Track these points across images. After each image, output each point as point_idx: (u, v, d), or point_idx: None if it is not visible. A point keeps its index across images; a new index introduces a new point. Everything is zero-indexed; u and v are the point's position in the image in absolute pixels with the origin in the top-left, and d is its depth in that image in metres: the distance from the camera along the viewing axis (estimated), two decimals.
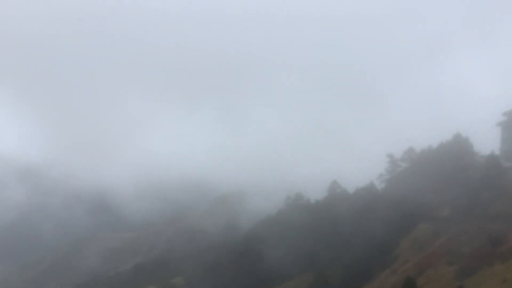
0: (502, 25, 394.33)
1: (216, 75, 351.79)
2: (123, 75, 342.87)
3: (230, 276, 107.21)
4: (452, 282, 66.85)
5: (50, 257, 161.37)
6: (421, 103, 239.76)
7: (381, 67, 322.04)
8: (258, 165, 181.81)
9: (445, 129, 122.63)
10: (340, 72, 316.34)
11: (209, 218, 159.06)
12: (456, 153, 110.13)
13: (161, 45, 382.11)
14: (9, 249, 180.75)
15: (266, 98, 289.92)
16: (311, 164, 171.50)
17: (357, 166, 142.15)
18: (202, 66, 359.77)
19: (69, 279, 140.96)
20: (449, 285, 66.91)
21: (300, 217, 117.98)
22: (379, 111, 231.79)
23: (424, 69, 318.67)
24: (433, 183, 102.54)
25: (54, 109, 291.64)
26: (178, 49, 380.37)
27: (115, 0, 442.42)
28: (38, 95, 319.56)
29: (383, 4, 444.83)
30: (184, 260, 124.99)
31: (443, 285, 68.72)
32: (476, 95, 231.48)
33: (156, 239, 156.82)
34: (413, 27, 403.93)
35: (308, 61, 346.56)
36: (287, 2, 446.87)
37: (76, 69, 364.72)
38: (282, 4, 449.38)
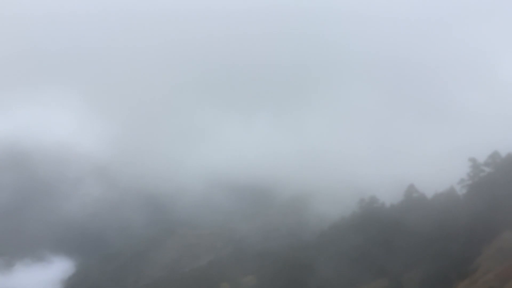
0: None
1: (275, 81, 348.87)
2: (188, 82, 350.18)
3: (301, 278, 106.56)
4: None
5: (129, 251, 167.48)
6: (505, 105, 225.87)
7: (452, 67, 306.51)
8: (326, 169, 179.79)
9: None
10: (409, 73, 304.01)
11: (280, 219, 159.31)
12: None
13: (223, 55, 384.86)
14: (89, 243, 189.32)
15: (329, 102, 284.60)
16: (383, 168, 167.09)
17: (435, 171, 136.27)
18: (261, 73, 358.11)
19: (146, 273, 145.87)
20: None
21: (374, 220, 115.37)
22: (459, 113, 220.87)
23: (504, 68, 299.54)
24: None
25: (127, 113, 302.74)
26: (237, 57, 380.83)
27: (186, 9, 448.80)
28: (113, 99, 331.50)
29: (446, 5, 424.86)
30: (256, 259, 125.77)
31: None
32: None
33: (229, 237, 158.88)
34: (477, 27, 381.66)
35: (373, 63, 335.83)
36: (337, 5, 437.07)
37: (147, 74, 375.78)
38: (332, 5, 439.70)
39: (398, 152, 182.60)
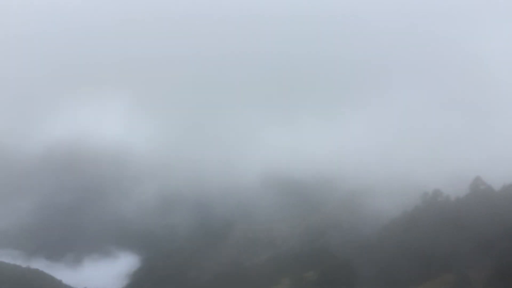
0: None
1: (323, 78, 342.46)
2: (235, 84, 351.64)
3: (365, 273, 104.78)
4: None
5: (190, 247, 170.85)
6: None
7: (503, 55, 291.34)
8: (385, 164, 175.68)
9: None
10: (458, 66, 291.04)
11: (338, 214, 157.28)
12: None
13: (267, 59, 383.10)
14: (152, 239, 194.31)
15: (382, 99, 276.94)
16: (446, 160, 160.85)
17: (503, 162, 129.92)
18: (307, 72, 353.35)
19: (207, 268, 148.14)
20: None
21: (438, 215, 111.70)
22: None
23: None
24: None
25: (178, 114, 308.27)
26: (279, 59, 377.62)
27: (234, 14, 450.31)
28: (164, 101, 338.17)
29: None
30: (316, 255, 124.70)
31: None
32: None
33: (287, 233, 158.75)
34: None
35: (420, 58, 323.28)
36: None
37: (198, 77, 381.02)
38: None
39: (462, 144, 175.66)
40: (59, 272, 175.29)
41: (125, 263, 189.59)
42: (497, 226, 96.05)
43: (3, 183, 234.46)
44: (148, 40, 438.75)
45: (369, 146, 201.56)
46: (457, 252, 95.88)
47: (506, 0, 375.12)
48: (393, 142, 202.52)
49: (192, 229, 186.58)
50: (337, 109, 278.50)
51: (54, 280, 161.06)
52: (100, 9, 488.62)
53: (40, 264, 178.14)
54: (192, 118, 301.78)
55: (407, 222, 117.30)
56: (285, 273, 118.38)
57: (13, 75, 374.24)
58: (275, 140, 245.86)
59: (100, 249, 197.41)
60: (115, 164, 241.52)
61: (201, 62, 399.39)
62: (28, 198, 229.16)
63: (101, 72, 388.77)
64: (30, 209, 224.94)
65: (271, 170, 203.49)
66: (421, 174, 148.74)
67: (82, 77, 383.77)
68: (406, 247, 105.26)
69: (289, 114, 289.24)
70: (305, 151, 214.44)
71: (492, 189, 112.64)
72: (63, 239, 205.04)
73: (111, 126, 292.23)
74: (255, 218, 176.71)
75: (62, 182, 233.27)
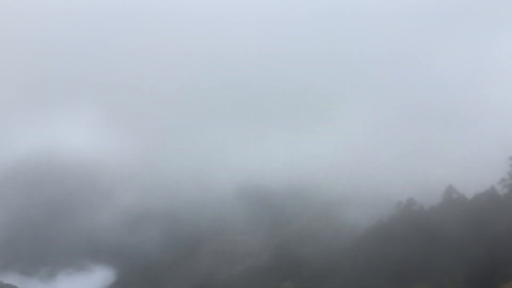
0: None
1: (299, 90, 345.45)
2: (206, 95, 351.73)
3: (341, 284, 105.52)
4: None
5: (166, 259, 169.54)
6: None
7: (475, 64, 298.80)
8: (360, 174, 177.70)
9: None
10: (430, 75, 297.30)
11: (316, 224, 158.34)
12: None
13: (242, 70, 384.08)
14: (127, 252, 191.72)
15: (355, 110, 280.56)
16: (419, 170, 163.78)
17: (475, 171, 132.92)
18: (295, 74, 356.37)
19: (185, 281, 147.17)
20: None
21: (413, 223, 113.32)
22: (494, 110, 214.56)
23: None
24: None
25: (148, 125, 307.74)
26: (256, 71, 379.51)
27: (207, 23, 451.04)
28: (134, 112, 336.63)
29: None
30: (294, 265, 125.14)
31: None
32: None
33: (265, 243, 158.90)
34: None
35: (387, 71, 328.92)
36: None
37: (167, 86, 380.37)
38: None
39: (434, 154, 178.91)
40: (33, 287, 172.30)
41: (100, 277, 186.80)
42: (470, 234, 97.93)
43: None
44: (116, 51, 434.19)
45: (343, 158, 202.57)
46: (432, 261, 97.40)
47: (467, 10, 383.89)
48: (366, 153, 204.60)
49: (167, 242, 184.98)
50: (309, 122, 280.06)
51: None
52: (66, 22, 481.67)
53: (13, 279, 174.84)
54: (164, 130, 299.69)
55: (382, 232, 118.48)
56: (262, 284, 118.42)
57: None
58: (249, 152, 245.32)
59: (74, 263, 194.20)
60: (86, 177, 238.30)
61: (171, 73, 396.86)
62: None
63: (68, 85, 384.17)
64: (0, 224, 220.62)
65: (245, 182, 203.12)
66: (394, 184, 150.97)
67: (50, 91, 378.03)
68: (381, 257, 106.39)
69: (263, 126, 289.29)
70: (280, 163, 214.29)
71: (465, 198, 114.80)
72: (36, 253, 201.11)
73: (81, 139, 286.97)
74: (231, 230, 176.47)
75: (33, 196, 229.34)
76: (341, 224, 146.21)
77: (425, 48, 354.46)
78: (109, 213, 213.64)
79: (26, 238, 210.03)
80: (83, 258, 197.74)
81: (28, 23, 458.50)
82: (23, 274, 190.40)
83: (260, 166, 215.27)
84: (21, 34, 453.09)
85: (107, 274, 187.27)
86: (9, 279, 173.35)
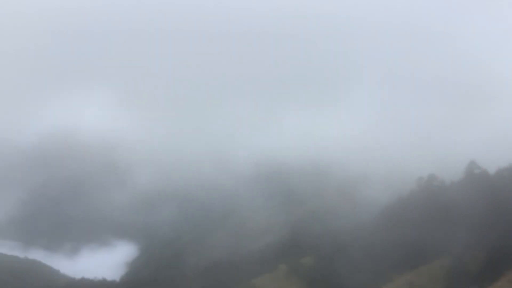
0: None
1: (318, 70, 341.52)
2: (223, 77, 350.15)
3: (361, 259, 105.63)
4: None
5: (188, 235, 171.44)
6: None
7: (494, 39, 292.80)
8: (381, 150, 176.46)
9: None
10: (454, 54, 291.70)
11: (336, 201, 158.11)
12: None
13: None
14: (148, 228, 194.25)
15: (377, 86, 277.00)
16: (441, 145, 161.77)
17: (497, 145, 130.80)
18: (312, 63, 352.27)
19: (206, 255, 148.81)
20: None
21: (434, 199, 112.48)
22: None
23: None
24: None
25: (170, 105, 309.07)
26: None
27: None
28: (156, 91, 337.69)
29: None
30: (313, 241, 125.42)
31: None
32: None
33: (285, 220, 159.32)
34: None
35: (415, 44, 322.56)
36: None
37: (185, 67, 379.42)
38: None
39: (456, 129, 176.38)
40: (57, 262, 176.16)
41: (122, 252, 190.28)
42: (492, 209, 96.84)
43: None
44: (134, 34, 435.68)
45: (361, 135, 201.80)
46: (452, 236, 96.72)
47: None
48: (385, 129, 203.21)
49: (188, 218, 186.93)
50: (327, 100, 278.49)
51: (52, 270, 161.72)
52: (84, 7, 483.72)
53: (37, 255, 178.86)
54: (181, 110, 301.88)
55: (403, 207, 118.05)
56: (282, 259, 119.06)
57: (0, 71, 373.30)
58: (266, 131, 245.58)
59: (97, 238, 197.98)
60: (107, 155, 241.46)
61: (190, 55, 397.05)
62: (22, 190, 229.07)
63: (87, 65, 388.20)
64: (24, 201, 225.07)
65: (263, 160, 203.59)
66: (416, 159, 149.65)
67: (68, 71, 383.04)
68: (402, 232, 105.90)
69: (279, 105, 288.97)
70: (297, 141, 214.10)
71: (487, 173, 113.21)
72: (59, 229, 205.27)
73: (100, 118, 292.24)
74: (250, 207, 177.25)
75: (53, 173, 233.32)
76: (362, 199, 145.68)
77: (444, 22, 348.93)
78: (129, 191, 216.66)
79: (50, 215, 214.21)
80: (106, 234, 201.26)
81: (45, 9, 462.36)
82: (48, 249, 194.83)
83: (278, 144, 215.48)
84: (40, 19, 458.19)
85: (129, 249, 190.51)
86: (34, 254, 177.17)
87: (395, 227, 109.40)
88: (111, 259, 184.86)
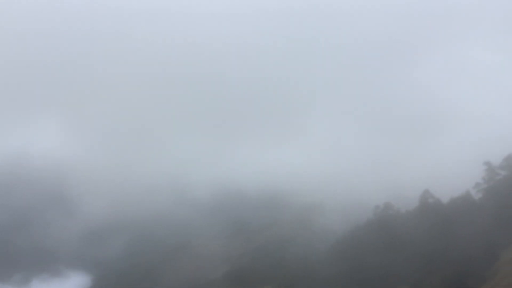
0: None
1: (277, 95, 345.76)
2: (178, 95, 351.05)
3: (319, 287, 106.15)
4: None
5: (144, 264, 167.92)
6: None
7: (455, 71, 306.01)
8: (336, 178, 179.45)
9: None
10: (410, 79, 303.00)
11: (295, 228, 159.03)
12: None
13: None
14: (103, 258, 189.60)
15: (331, 113, 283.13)
16: (396, 175, 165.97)
17: (450, 175, 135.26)
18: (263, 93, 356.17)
19: (164, 285, 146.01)
20: None
21: (390, 227, 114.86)
22: (470, 115, 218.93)
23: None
24: None
25: (123, 127, 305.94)
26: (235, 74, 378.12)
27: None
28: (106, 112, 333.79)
29: None
30: (273, 269, 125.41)
31: None
32: None
33: (244, 248, 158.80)
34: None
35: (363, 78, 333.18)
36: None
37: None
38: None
39: (411, 159, 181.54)
40: None
41: (75, 283, 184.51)
42: (446, 237, 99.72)
43: None
44: (85, 60, 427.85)
45: (319, 164, 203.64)
46: (409, 265, 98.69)
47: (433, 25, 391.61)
48: (342, 159, 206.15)
49: (145, 246, 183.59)
50: (285, 129, 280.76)
51: None
52: (32, 34, 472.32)
53: None
54: (136, 137, 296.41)
55: (359, 236, 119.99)
56: None
57: None
58: (225, 160, 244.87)
59: (48, 269, 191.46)
60: (56, 184, 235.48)
61: (145, 81, 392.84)
62: None
63: (34, 92, 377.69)
64: None
65: (222, 189, 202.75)
66: (372, 188, 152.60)
67: (15, 99, 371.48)
68: (359, 261, 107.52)
69: (238, 134, 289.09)
70: (256, 170, 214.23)
71: (440, 202, 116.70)
72: (8, 260, 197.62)
73: (51, 145, 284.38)
74: (210, 234, 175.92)
75: (3, 202, 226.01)
76: (320, 228, 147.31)
77: (400, 56, 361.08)
78: (80, 221, 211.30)
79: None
80: (57, 264, 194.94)
81: None
82: None
83: (235, 173, 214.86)
84: None
85: (83, 280, 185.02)
86: None
87: (352, 256, 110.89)
88: None
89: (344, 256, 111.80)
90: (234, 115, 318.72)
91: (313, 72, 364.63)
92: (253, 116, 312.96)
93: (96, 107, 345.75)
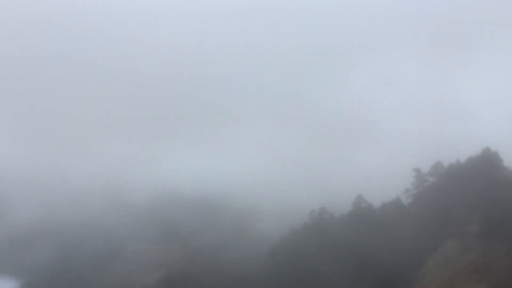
0: None
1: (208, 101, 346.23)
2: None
3: None
4: None
5: (77, 269, 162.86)
6: (448, 116, 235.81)
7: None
8: (273, 184, 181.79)
9: (474, 143, 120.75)
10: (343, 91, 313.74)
11: (230, 234, 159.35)
12: (485, 168, 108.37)
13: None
14: (33, 262, 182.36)
15: (269, 117, 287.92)
16: (332, 180, 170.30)
17: (383, 181, 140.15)
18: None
19: None
20: None
21: (324, 231, 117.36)
22: (406, 124, 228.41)
23: (450, 81, 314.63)
24: (462, 199, 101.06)
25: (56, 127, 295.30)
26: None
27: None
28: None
29: None
30: (209, 274, 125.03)
31: None
32: (505, 109, 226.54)
33: (180, 252, 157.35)
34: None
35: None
36: None
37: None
38: None
39: (346, 166, 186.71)
40: None
41: None
42: (377, 241, 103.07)
43: None
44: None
45: (257, 169, 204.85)
46: (341, 268, 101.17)
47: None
48: (279, 165, 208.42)
49: (77, 251, 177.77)
50: (223, 134, 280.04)
51: None
52: None
53: None
54: (68, 138, 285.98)
55: (295, 240, 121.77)
56: None
57: None
58: (161, 165, 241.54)
59: None
60: None
61: (76, 83, 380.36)
62: None
63: None
64: None
65: (160, 190, 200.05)
66: (308, 194, 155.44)
67: None
68: (295, 264, 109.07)
69: (176, 134, 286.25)
70: (195, 172, 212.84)
71: (372, 207, 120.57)
72: None
73: None
74: (145, 239, 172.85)
75: None
76: (255, 233, 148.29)
77: (334, 64, 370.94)
78: (8, 225, 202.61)
79: None
80: None
81: None
82: None
83: (172, 177, 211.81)
84: None
85: (10, 285, 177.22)
86: None
87: (288, 259, 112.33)
88: None
89: (280, 260, 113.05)
90: (170, 119, 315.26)
91: (247, 78, 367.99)
92: (188, 120, 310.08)
93: (25, 106, 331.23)
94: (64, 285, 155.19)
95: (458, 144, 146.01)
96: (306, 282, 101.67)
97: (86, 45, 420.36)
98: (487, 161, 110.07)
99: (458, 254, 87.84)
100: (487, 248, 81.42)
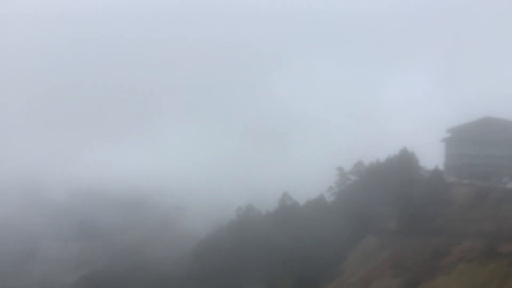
0: (447, 43, 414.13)
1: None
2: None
3: None
4: None
5: None
6: (369, 118, 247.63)
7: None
8: (201, 182, 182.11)
9: (392, 144, 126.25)
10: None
11: (157, 231, 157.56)
12: (402, 167, 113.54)
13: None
14: None
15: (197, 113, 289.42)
16: (259, 179, 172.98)
17: (307, 179, 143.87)
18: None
19: None
20: None
21: (250, 228, 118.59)
22: (330, 125, 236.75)
23: (372, 85, 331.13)
24: (380, 196, 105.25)
25: None
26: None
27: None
28: None
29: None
30: (131, 273, 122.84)
31: None
32: (422, 112, 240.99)
33: (103, 251, 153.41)
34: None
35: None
36: None
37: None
38: None
39: (272, 165, 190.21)
40: None
41: None
42: (301, 238, 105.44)
43: None
44: None
45: (185, 167, 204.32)
46: (267, 263, 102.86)
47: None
48: (208, 163, 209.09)
49: None
50: (150, 131, 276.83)
51: None
52: None
53: None
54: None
55: (222, 236, 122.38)
56: None
57: None
58: (86, 157, 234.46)
59: None
60: None
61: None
62: None
63: None
64: None
65: (82, 188, 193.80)
66: (235, 192, 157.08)
67: None
68: (219, 261, 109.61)
69: (99, 131, 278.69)
70: (121, 172, 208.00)
71: (297, 204, 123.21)
72: None
73: None
74: (65, 236, 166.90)
75: None
76: (182, 230, 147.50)
77: (262, 67, 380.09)
78: None
79: None
80: None
81: None
82: None
83: (96, 174, 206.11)
84: None
85: None
86: None
87: (213, 256, 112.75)
88: None
89: (204, 257, 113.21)
90: (92, 116, 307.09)
91: (173, 76, 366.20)
92: (112, 117, 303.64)
93: None
94: None
95: (378, 145, 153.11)
96: (231, 278, 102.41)
97: None
98: (405, 161, 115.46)
99: (376, 250, 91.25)
100: (403, 244, 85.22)
